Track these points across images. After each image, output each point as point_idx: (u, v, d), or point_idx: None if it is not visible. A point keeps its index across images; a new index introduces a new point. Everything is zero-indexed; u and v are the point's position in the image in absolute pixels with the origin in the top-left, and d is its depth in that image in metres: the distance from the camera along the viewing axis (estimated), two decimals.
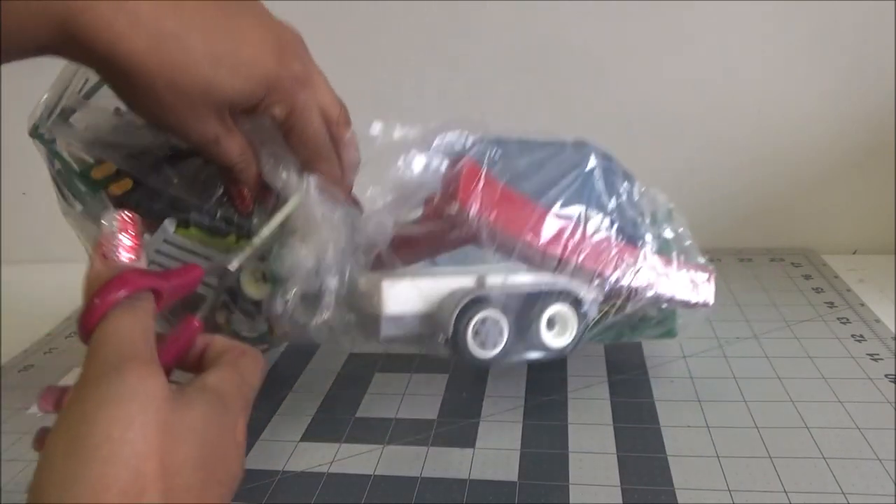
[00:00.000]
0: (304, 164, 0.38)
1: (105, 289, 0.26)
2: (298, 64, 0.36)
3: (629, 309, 0.42)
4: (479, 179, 0.37)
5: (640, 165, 0.71)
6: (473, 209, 0.37)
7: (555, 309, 0.41)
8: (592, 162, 0.41)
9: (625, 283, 0.41)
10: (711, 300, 0.45)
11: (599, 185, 0.42)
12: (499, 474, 0.41)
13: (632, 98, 0.68)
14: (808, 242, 0.72)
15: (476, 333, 0.39)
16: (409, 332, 0.39)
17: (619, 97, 0.69)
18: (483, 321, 0.39)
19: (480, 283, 0.40)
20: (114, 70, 0.31)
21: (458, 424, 0.46)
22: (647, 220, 0.44)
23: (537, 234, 0.39)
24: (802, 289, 0.62)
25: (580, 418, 0.46)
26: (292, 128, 0.37)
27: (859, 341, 0.52)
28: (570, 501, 0.39)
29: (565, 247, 0.40)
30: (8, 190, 0.81)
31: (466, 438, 0.45)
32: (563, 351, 0.42)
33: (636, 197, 0.44)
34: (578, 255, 0.40)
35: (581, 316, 0.41)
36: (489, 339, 0.39)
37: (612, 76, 0.68)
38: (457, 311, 0.38)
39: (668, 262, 0.43)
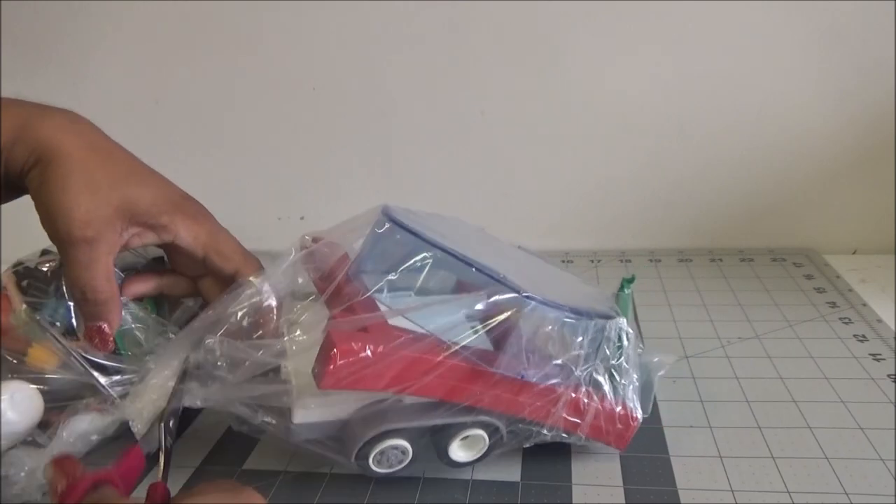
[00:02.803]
0: (238, 275, 0.42)
1: (69, 491, 0.29)
2: (200, 207, 0.43)
3: (532, 442, 0.40)
4: (350, 366, 0.33)
5: (642, 166, 0.72)
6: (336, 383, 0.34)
7: (468, 433, 0.39)
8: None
9: (534, 423, 0.39)
10: (622, 447, 0.41)
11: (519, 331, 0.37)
12: (501, 474, 0.41)
13: (633, 99, 0.68)
14: (810, 242, 0.72)
15: (379, 457, 0.38)
16: (323, 436, 0.38)
17: (620, 98, 0.69)
18: (387, 448, 0.37)
19: (395, 403, 0.37)
20: (45, 152, 0.37)
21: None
22: (587, 359, 0.39)
23: (433, 387, 0.36)
24: (804, 289, 0.62)
25: None
26: (211, 248, 0.42)
27: (861, 341, 0.52)
28: (573, 501, 0.39)
29: (465, 393, 0.37)
30: None
31: None
32: (467, 464, 0.40)
33: (584, 333, 0.39)
34: (481, 399, 0.37)
35: (493, 437, 0.39)
36: (392, 460, 0.38)
37: (613, 77, 0.68)
38: (361, 443, 0.36)
39: (587, 406, 0.39)
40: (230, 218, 0.45)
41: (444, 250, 0.38)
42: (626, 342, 0.40)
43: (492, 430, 0.39)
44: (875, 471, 0.39)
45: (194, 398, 0.38)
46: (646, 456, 0.42)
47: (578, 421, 0.39)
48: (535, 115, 0.71)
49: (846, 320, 0.56)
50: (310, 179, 0.78)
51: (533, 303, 0.36)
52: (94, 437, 0.40)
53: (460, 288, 0.41)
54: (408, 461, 0.39)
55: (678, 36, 0.65)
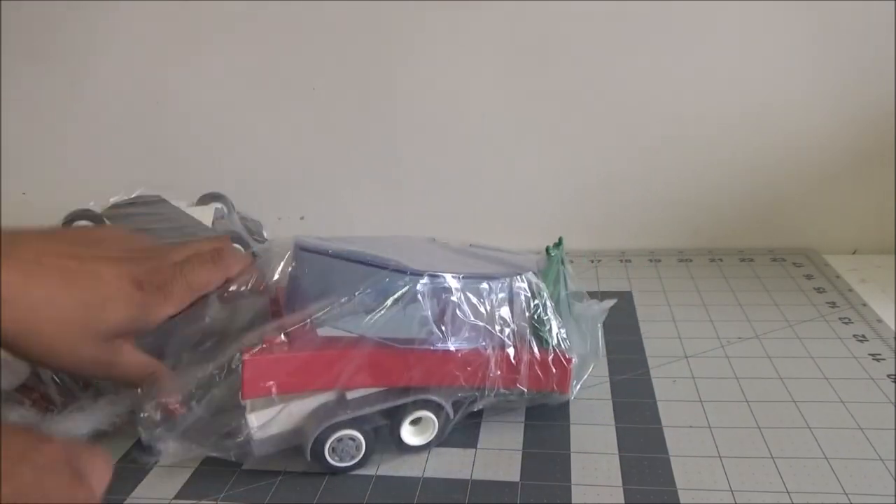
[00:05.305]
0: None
1: None
2: (156, 275, 0.40)
3: (479, 406, 0.43)
4: (264, 372, 0.38)
5: (642, 166, 0.72)
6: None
7: (415, 415, 0.42)
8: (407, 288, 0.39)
9: (471, 387, 0.42)
10: (566, 390, 0.44)
11: (420, 305, 0.39)
12: (500, 475, 0.41)
13: (632, 99, 0.68)
14: (810, 242, 0.72)
15: (333, 450, 0.41)
16: (280, 447, 0.41)
17: (620, 98, 0.69)
18: (339, 439, 0.40)
19: (340, 401, 0.41)
20: (8, 327, 0.35)
21: (460, 424, 0.46)
22: (504, 317, 0.42)
23: (354, 379, 0.40)
24: (804, 289, 0.62)
25: (582, 418, 0.45)
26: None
27: (861, 341, 0.52)
28: (573, 502, 0.39)
29: (394, 376, 0.40)
30: (8, 190, 0.81)
31: (468, 439, 0.44)
32: (424, 447, 0.43)
33: (490, 294, 0.41)
34: (412, 377, 0.40)
35: (441, 417, 0.42)
36: (346, 454, 0.41)
37: (613, 77, 0.68)
38: (312, 439, 0.39)
39: (518, 360, 0.42)
40: None
41: (343, 258, 0.40)
42: (540, 293, 0.42)
43: (436, 409, 0.42)
44: (875, 471, 0.39)
45: (167, 458, 0.40)
46: (645, 456, 0.42)
47: (515, 376, 0.42)
48: (535, 115, 0.71)
49: (846, 320, 0.56)
50: (310, 179, 0.78)
51: (424, 277, 0.39)
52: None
53: None
54: (363, 451, 0.41)
55: (677, 36, 0.65)
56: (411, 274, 0.39)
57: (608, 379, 0.50)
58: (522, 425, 0.45)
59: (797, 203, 0.71)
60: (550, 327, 0.43)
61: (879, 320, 0.55)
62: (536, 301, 0.42)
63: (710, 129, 0.69)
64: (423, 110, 0.73)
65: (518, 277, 0.42)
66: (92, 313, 0.37)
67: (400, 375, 0.40)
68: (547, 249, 0.46)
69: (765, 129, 0.68)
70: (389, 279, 0.39)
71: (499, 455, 0.43)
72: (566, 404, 0.47)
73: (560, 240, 0.47)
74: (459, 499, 0.39)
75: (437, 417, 0.42)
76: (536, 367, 0.42)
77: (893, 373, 0.48)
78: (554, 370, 0.43)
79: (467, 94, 0.71)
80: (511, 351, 0.42)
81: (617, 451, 0.42)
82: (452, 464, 0.42)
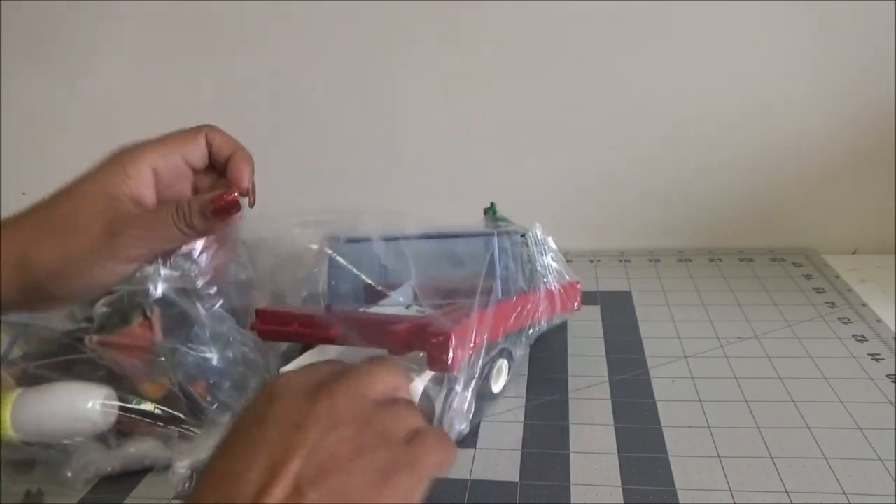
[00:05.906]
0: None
1: None
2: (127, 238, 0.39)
3: (533, 339, 0.51)
4: (463, 339, 0.40)
5: (641, 166, 0.72)
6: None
7: (496, 365, 0.47)
8: (496, 247, 0.47)
9: (533, 326, 0.49)
10: (579, 306, 0.55)
11: (500, 264, 0.47)
12: (500, 474, 0.41)
13: (632, 99, 0.68)
14: (809, 242, 0.72)
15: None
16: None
17: (620, 98, 0.69)
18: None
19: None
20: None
21: None
22: (528, 265, 0.50)
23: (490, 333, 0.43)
24: (803, 289, 0.62)
25: (581, 418, 0.46)
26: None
27: (860, 341, 0.52)
28: (572, 502, 0.39)
29: (497, 330, 0.45)
30: (8, 190, 0.81)
31: (467, 438, 0.44)
32: (499, 394, 0.48)
33: (519, 250, 0.50)
34: (505, 330, 0.46)
35: (510, 360, 0.48)
36: (461, 415, 0.43)
37: (613, 77, 0.68)
38: (440, 407, 0.41)
39: (550, 293, 0.50)
40: None
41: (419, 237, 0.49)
42: (546, 242, 0.52)
43: (508, 355, 0.48)
44: (874, 471, 0.39)
45: None
46: (644, 456, 0.42)
47: (555, 304, 0.50)
48: (535, 115, 0.71)
49: (845, 320, 0.56)
50: (310, 179, 0.78)
51: (498, 237, 0.47)
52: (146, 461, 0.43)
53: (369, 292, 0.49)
54: (471, 414, 0.44)
55: (677, 36, 0.65)
56: (498, 234, 0.47)
57: (607, 379, 0.50)
58: (522, 425, 0.46)
59: (797, 203, 0.71)
60: (553, 265, 0.52)
61: (879, 320, 0.55)
62: (546, 246, 0.51)
63: (710, 129, 0.69)
64: (423, 110, 0.73)
65: (532, 229, 0.51)
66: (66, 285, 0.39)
67: (504, 325, 0.45)
68: (491, 212, 0.57)
69: (765, 129, 0.68)
70: (479, 241, 0.47)
71: (498, 454, 0.43)
72: (565, 404, 0.47)
73: (492, 204, 0.58)
74: (459, 498, 0.39)
75: (510, 363, 0.48)
76: (564, 296, 0.51)
77: (893, 373, 0.48)
78: (573, 294, 0.54)
79: (467, 94, 0.71)
80: (551, 287, 0.50)
81: (616, 451, 0.42)
82: None
